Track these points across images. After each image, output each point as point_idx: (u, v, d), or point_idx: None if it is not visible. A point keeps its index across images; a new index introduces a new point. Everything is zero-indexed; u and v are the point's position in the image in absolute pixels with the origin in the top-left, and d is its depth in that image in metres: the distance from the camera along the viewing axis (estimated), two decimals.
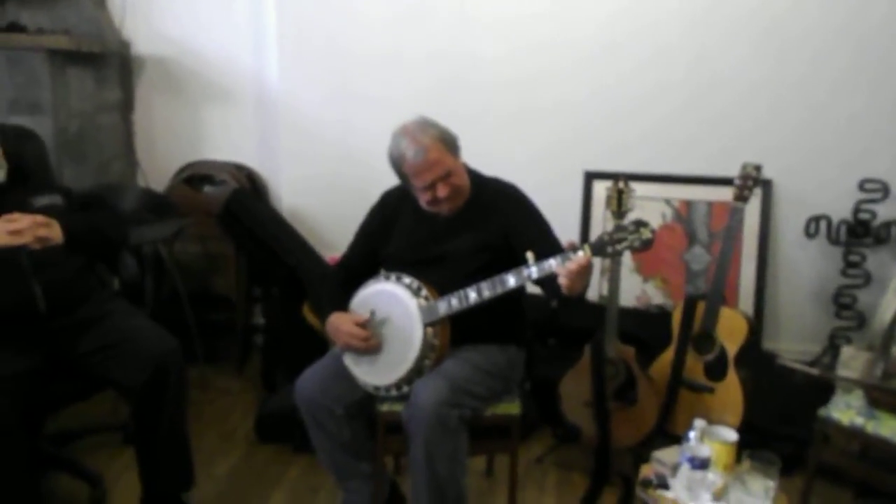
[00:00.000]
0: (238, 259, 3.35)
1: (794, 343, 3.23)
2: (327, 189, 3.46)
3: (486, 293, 1.96)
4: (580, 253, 1.81)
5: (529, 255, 1.90)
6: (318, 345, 2.98)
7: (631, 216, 2.50)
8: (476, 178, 2.19)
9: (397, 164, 2.08)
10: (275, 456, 2.73)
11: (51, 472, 2.49)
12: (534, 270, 1.89)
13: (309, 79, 3.38)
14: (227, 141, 3.57)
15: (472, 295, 1.97)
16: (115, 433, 2.77)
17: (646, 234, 1.79)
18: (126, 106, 3.53)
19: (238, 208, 3.13)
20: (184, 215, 3.17)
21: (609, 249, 1.81)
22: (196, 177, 3.45)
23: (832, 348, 3.13)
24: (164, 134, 3.60)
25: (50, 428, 2.61)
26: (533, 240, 2.04)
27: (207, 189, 3.43)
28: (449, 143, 2.07)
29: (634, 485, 2.52)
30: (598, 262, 2.66)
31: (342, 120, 3.39)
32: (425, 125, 2.07)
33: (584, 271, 1.79)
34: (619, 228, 1.84)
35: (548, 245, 2.02)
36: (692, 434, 1.77)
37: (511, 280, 1.93)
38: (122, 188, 3.25)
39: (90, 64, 3.26)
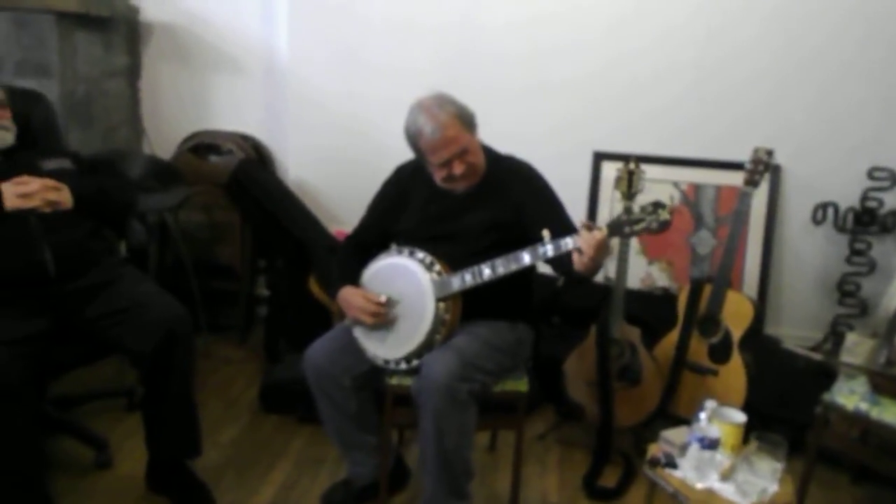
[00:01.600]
0: (243, 229, 3.34)
1: (795, 329, 3.25)
2: (334, 162, 3.45)
3: (501, 269, 1.96)
4: (595, 231, 1.81)
5: (545, 233, 1.89)
6: (323, 317, 2.99)
7: (640, 198, 2.52)
8: (491, 154, 2.18)
9: (413, 139, 2.07)
10: (279, 426, 2.74)
11: (55, 436, 2.50)
12: (549, 248, 1.89)
13: (318, 49, 3.36)
14: (233, 111, 3.54)
15: (487, 271, 1.97)
16: (118, 399, 2.78)
17: (664, 215, 1.79)
18: (133, 72, 3.50)
19: (246, 178, 3.12)
20: (190, 184, 3.15)
21: (626, 230, 1.81)
22: (202, 146, 3.42)
23: (834, 335, 3.15)
24: (171, 102, 3.57)
25: (53, 392, 2.62)
26: (546, 219, 2.03)
27: (213, 158, 3.40)
28: (466, 120, 2.06)
29: (635, 463, 2.57)
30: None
31: (351, 92, 3.37)
32: (443, 101, 2.05)
33: (601, 247, 1.79)
34: (628, 210, 1.83)
35: (560, 225, 2.02)
36: (702, 415, 1.78)
37: (526, 257, 1.93)
38: (128, 154, 3.22)
39: (98, 28, 3.22)
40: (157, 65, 3.55)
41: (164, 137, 3.54)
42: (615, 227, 1.82)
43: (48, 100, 2.56)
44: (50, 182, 2.08)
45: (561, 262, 1.90)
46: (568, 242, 1.86)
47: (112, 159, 2.88)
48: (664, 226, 1.80)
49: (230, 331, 3.42)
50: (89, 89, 3.21)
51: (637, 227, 1.81)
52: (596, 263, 1.82)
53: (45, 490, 2.05)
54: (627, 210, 1.84)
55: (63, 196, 2.11)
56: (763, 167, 2.56)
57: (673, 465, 1.79)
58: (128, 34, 3.44)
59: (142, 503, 2.26)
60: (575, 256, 1.82)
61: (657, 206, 1.81)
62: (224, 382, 3.05)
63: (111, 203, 2.35)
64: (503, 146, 2.24)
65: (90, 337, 2.14)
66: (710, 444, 1.74)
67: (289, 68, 3.41)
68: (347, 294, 2.12)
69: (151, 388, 2.17)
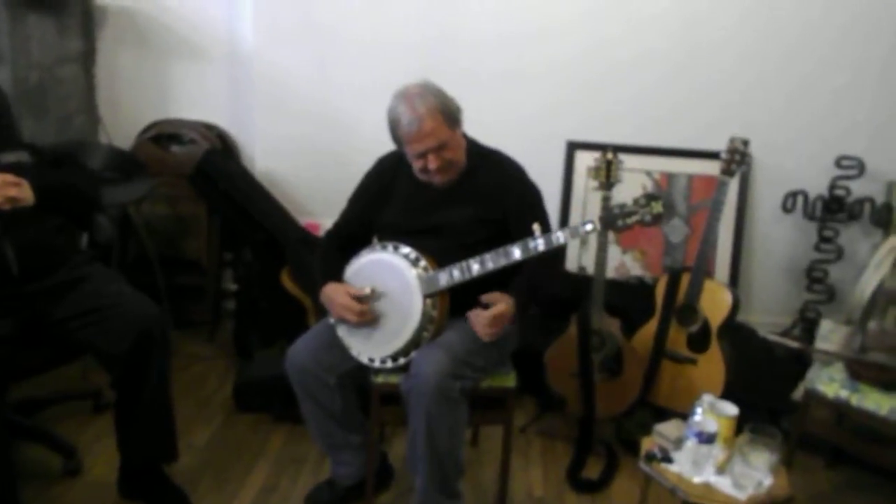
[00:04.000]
0: (209, 222, 3.23)
1: (764, 315, 3.29)
2: (304, 151, 3.35)
3: (490, 265, 1.92)
4: (588, 226, 1.79)
5: (536, 227, 1.86)
6: (296, 312, 2.92)
7: (618, 188, 2.51)
8: (477, 149, 2.14)
9: (392, 126, 2.02)
10: (255, 425, 2.66)
11: (19, 443, 2.38)
12: (540, 243, 1.86)
13: (285, 33, 3.24)
14: (196, 99, 3.40)
15: (475, 266, 1.93)
16: (84, 401, 2.66)
17: (657, 208, 1.77)
18: (88, 58, 3.32)
19: (212, 169, 3.01)
20: (152, 175, 3.03)
21: (619, 223, 1.79)
22: (163, 135, 3.29)
23: (802, 321, 3.21)
24: (129, 89, 3.41)
25: (13, 396, 2.49)
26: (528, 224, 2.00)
27: (176, 149, 3.27)
28: (448, 114, 2.00)
29: (618, 454, 2.57)
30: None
31: (321, 79, 3.27)
32: (426, 93, 1.99)
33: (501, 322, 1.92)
34: (621, 205, 1.82)
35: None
36: (699, 409, 1.78)
37: (517, 252, 1.89)
38: (88, 145, 3.07)
39: (51, 11, 3.05)
40: (113, 50, 3.38)
41: (122, 127, 3.37)
42: (608, 220, 1.80)
43: (2, 89, 2.41)
44: (9, 178, 1.95)
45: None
46: (559, 237, 1.84)
47: (72, 150, 2.73)
48: (657, 219, 1.79)
49: (197, 327, 3.31)
50: (42, 76, 3.05)
51: (630, 220, 1.80)
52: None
53: (17, 501, 1.95)
54: (621, 205, 1.81)
55: (23, 192, 1.98)
56: (739, 156, 2.57)
57: (668, 460, 1.79)
58: (82, 17, 3.25)
59: None
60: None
61: (650, 198, 1.79)
62: (194, 381, 2.95)
63: (75, 197, 2.22)
64: (475, 134, 2.19)
65: (59, 339, 2.04)
66: (708, 439, 1.73)
67: (254, 52, 3.28)
68: (331, 291, 2.05)
69: (125, 391, 2.07)
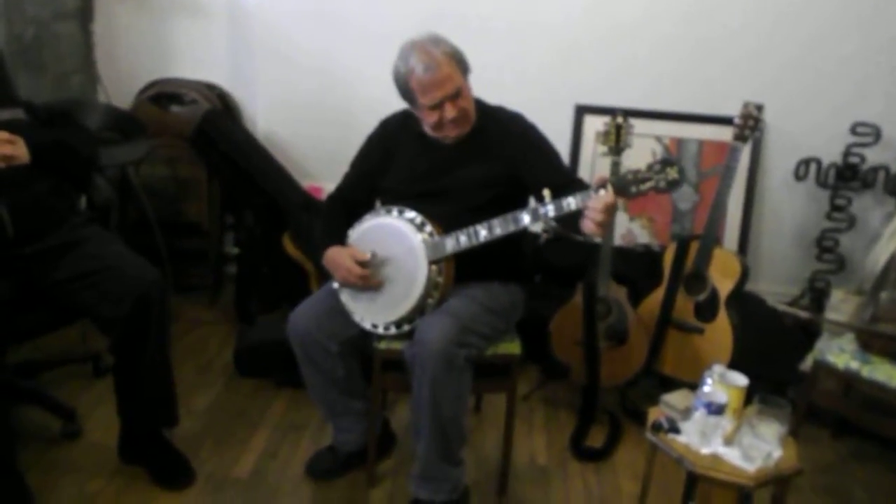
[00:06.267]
0: (210, 184, 3.17)
1: (773, 284, 3.24)
2: (306, 112, 3.28)
3: (498, 230, 1.86)
4: (602, 192, 1.73)
5: (546, 192, 1.80)
6: (298, 276, 2.88)
7: (627, 153, 2.45)
8: (481, 106, 2.07)
9: (404, 79, 1.94)
10: (256, 391, 2.64)
11: (18, 406, 2.35)
12: (550, 208, 1.80)
13: None
14: (196, 58, 3.33)
15: (483, 232, 1.88)
16: (84, 365, 2.64)
17: (672, 174, 1.71)
18: (86, 14, 3.24)
19: (212, 130, 2.94)
20: (152, 136, 2.96)
21: (633, 189, 1.73)
22: (163, 95, 3.22)
23: (811, 290, 3.16)
24: (128, 47, 3.33)
25: (12, 359, 2.46)
26: (543, 172, 1.95)
27: (176, 109, 3.21)
28: (460, 61, 1.95)
29: (621, 422, 2.55)
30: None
31: (323, 37, 3.19)
32: (437, 40, 1.94)
33: (612, 210, 1.72)
34: (635, 171, 1.75)
35: (560, 177, 1.94)
36: (709, 380, 1.74)
37: (526, 218, 1.84)
38: (85, 103, 3.00)
39: None
40: (111, 6, 3.29)
41: (120, 85, 3.30)
42: (621, 187, 1.74)
43: None
44: (3, 135, 1.90)
45: (567, 220, 1.82)
46: (570, 202, 1.78)
47: (68, 109, 2.66)
48: (673, 185, 1.73)
49: (199, 291, 3.28)
50: (38, 32, 2.97)
51: (644, 187, 1.74)
52: (606, 227, 1.75)
53: (15, 464, 1.93)
54: (635, 171, 1.75)
55: (18, 150, 1.93)
56: (753, 122, 2.51)
57: (676, 430, 1.76)
58: None
59: (116, 475, 2.15)
60: (584, 220, 1.74)
61: (665, 163, 1.73)
62: (195, 345, 2.92)
63: (71, 156, 2.17)
64: (482, 94, 2.11)
65: (56, 302, 2.00)
66: (717, 410, 1.70)
67: (256, 10, 3.20)
68: (334, 254, 2.01)
69: (123, 356, 2.04)
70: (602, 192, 1.72)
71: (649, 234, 3.24)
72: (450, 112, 1.92)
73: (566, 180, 1.91)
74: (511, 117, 2.10)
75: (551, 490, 2.25)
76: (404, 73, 1.92)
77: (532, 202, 1.94)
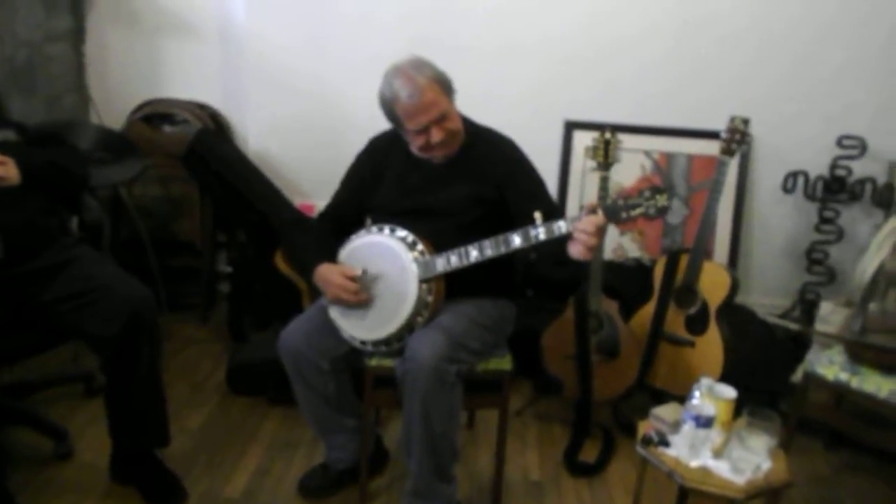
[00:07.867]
0: (202, 203, 3.18)
1: (763, 297, 3.27)
2: (297, 131, 3.30)
3: (489, 251, 1.88)
4: (592, 216, 1.75)
5: (537, 216, 1.82)
6: (290, 294, 2.88)
7: (616, 168, 2.47)
8: (470, 126, 2.09)
9: (389, 105, 1.96)
10: (249, 408, 2.64)
11: (8, 427, 2.35)
12: (541, 231, 1.81)
13: (278, 10, 3.18)
14: (188, 78, 3.35)
15: (474, 253, 1.89)
16: (75, 384, 2.63)
17: (661, 201, 1.73)
18: (78, 36, 3.26)
19: (205, 150, 2.95)
20: (144, 156, 2.98)
21: (623, 215, 1.75)
22: (155, 115, 3.24)
23: (802, 303, 3.18)
24: (119, 68, 3.36)
25: (3, 379, 2.46)
26: (529, 198, 1.96)
27: (168, 129, 3.23)
28: (444, 84, 1.96)
29: (615, 437, 2.55)
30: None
31: (314, 57, 3.21)
32: (420, 64, 1.95)
33: (602, 233, 1.73)
34: (625, 197, 1.77)
35: (544, 206, 1.95)
36: (697, 393, 1.75)
37: (517, 240, 1.85)
38: (76, 125, 3.01)
39: None
40: (103, 28, 3.32)
41: (112, 106, 3.33)
42: (611, 212, 1.76)
43: None
44: None
45: (550, 247, 1.83)
46: (561, 226, 1.79)
47: (59, 130, 2.68)
48: (662, 212, 1.75)
49: (191, 309, 3.28)
50: (31, 54, 2.99)
51: (634, 213, 1.75)
52: (594, 250, 1.76)
53: (5, 485, 1.93)
54: (625, 197, 1.77)
55: (9, 171, 1.94)
56: (740, 136, 2.53)
57: (665, 444, 1.76)
58: None
59: (108, 495, 2.14)
60: (573, 244, 1.76)
61: (655, 190, 1.75)
62: (188, 364, 2.92)
63: (62, 177, 2.18)
64: (470, 113, 2.14)
65: (47, 322, 1.99)
66: (706, 423, 1.71)
67: (246, 31, 3.22)
68: (325, 271, 2.01)
69: (115, 375, 2.03)
70: (592, 216, 1.74)
71: (640, 247, 3.26)
72: (436, 135, 1.94)
73: (550, 210, 1.91)
74: (501, 139, 2.12)
75: None
76: (389, 99, 1.94)
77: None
